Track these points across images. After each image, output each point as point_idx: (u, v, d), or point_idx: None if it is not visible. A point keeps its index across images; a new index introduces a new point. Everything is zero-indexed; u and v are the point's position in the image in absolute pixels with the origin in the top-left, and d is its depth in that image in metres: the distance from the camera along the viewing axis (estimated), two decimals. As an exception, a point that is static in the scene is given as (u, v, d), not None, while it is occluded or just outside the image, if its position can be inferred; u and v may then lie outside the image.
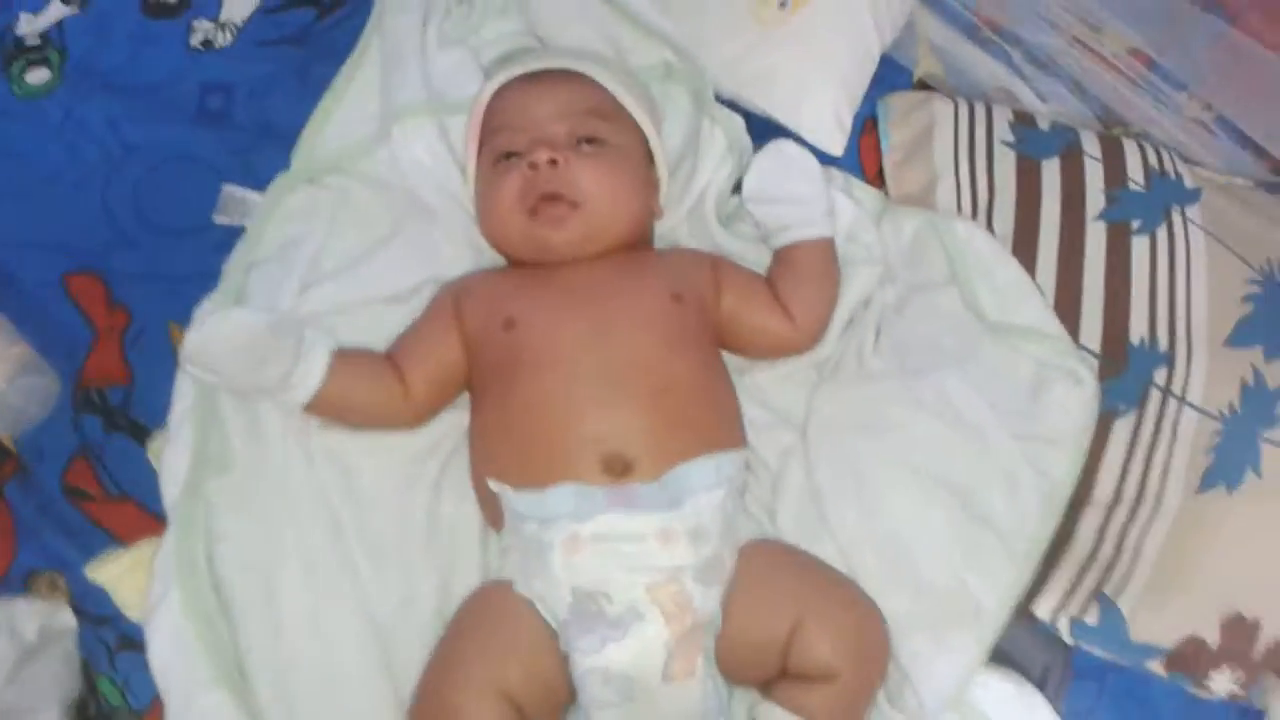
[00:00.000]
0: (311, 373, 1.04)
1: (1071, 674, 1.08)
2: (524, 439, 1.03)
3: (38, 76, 1.30)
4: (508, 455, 1.04)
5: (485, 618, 1.01)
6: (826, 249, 1.16)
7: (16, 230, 1.23)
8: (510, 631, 0.98)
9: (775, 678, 0.98)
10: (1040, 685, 1.06)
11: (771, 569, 1.02)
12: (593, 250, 1.12)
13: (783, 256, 1.17)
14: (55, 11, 1.33)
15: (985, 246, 1.16)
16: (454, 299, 1.13)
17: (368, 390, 1.08)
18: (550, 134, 1.12)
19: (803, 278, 1.15)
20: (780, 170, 1.18)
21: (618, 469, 1.00)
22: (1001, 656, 1.05)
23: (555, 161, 1.10)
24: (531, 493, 1.00)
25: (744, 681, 1.02)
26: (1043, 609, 1.06)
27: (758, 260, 1.22)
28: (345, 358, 1.07)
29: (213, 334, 1.02)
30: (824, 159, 1.28)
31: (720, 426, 1.07)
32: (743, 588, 1.00)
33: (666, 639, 0.96)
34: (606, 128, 1.15)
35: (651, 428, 1.02)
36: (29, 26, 1.32)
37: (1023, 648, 1.07)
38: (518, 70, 1.18)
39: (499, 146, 1.14)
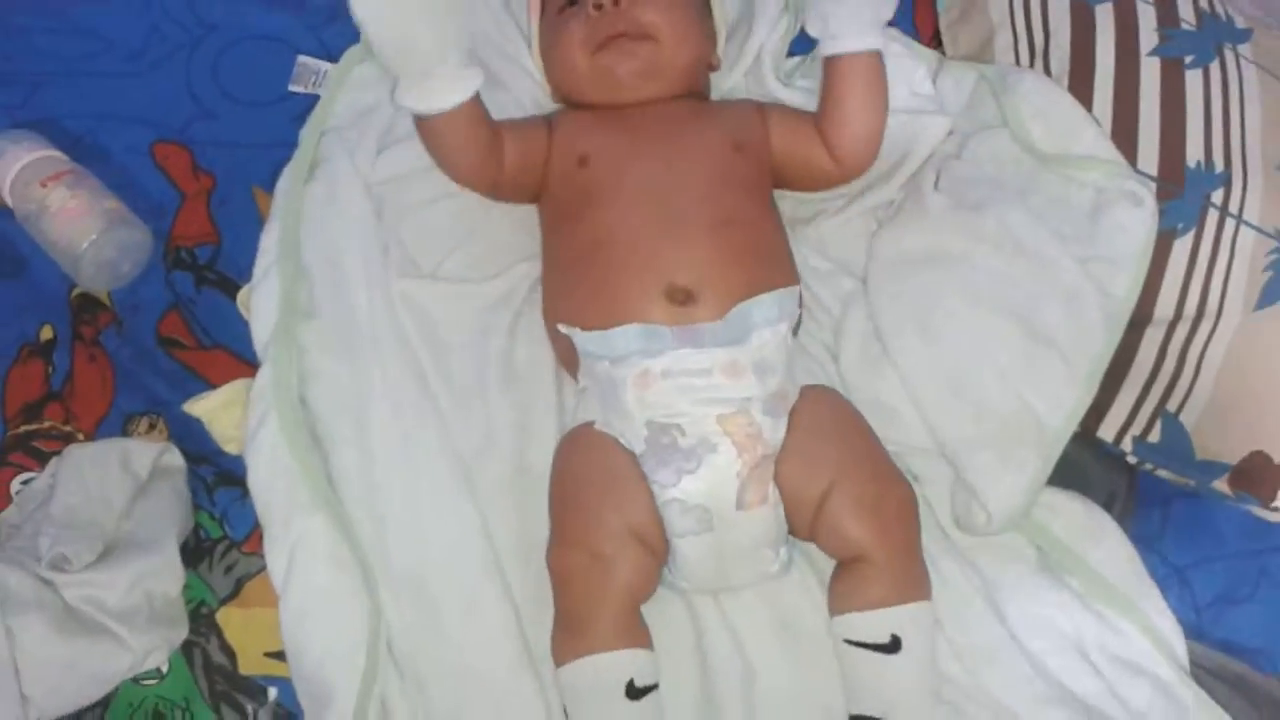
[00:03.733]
0: (472, 79, 1.04)
1: (1136, 500, 1.10)
2: (592, 276, 1.06)
3: (121, -39, 1.35)
4: (577, 295, 1.07)
5: (595, 462, 1.03)
6: (873, 63, 1.12)
7: (104, 104, 1.28)
8: (619, 472, 1.01)
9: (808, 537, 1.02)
10: (1106, 510, 1.08)
11: (818, 427, 1.04)
12: (656, 87, 1.15)
13: (828, 70, 1.13)
14: (136, -105, 1.38)
15: (1038, 86, 1.17)
16: (547, 122, 1.17)
17: (483, 133, 1.10)
18: None
19: (844, 93, 1.12)
20: None
21: (680, 298, 1.03)
22: (1068, 481, 1.07)
23: (618, 2, 1.13)
24: (600, 333, 1.04)
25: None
26: (1107, 430, 1.08)
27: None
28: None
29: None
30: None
31: (777, 264, 1.10)
32: (791, 440, 1.02)
33: (739, 468, 0.99)
34: None
35: (712, 260, 1.05)
36: (111, -84, 1.37)
37: (1089, 473, 1.10)
38: None
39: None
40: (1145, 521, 1.10)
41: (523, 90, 1.26)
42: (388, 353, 1.11)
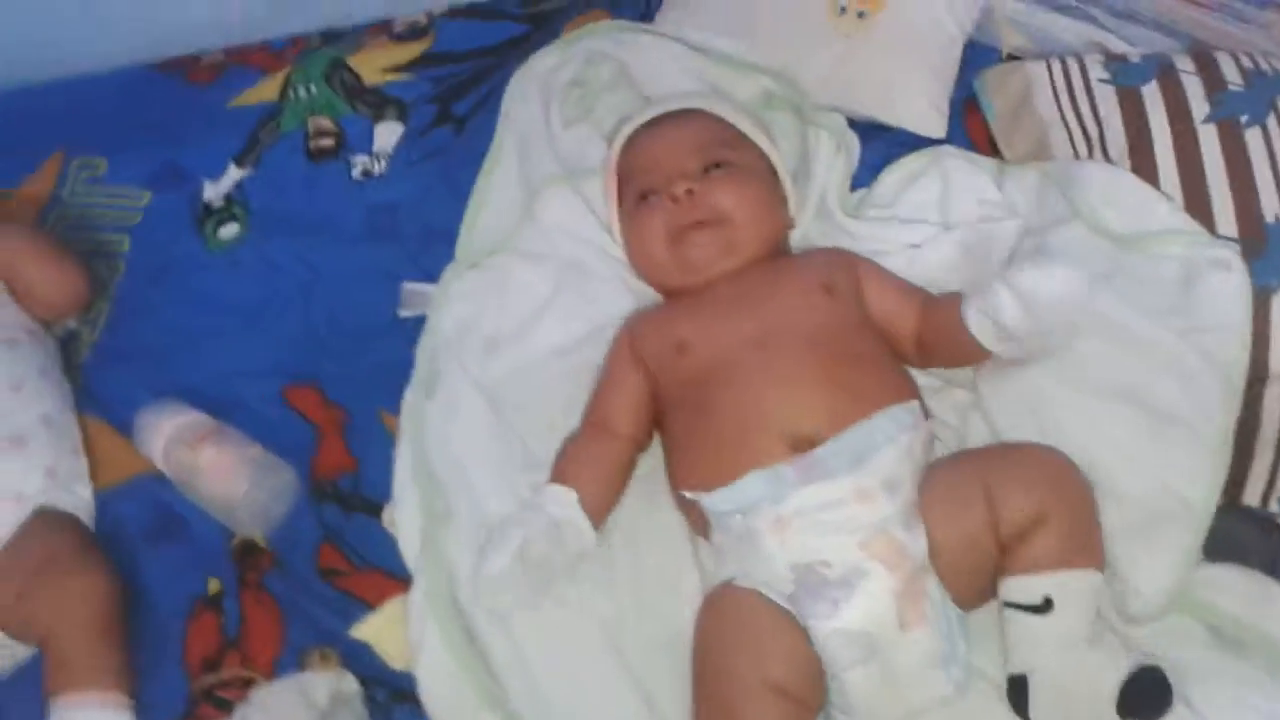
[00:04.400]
0: (585, 529, 1.11)
1: (1297, 555, 1.08)
2: (712, 443, 1.10)
3: (228, 231, 1.47)
4: (700, 462, 1.11)
5: (730, 618, 1.04)
6: (986, 356, 1.12)
7: (233, 362, 1.37)
8: (757, 623, 1.02)
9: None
10: (1270, 575, 1.06)
11: (946, 467, 1.07)
12: (736, 263, 1.21)
13: (958, 321, 1.10)
14: (233, 175, 1.51)
15: (1102, 172, 1.21)
16: (629, 338, 1.23)
17: (614, 481, 1.17)
18: (682, 167, 1.23)
19: (966, 348, 1.11)
20: (1043, 297, 1.05)
21: (804, 446, 1.06)
22: (1225, 555, 1.06)
23: (691, 191, 1.21)
24: (725, 489, 1.06)
25: (982, 593, 1.05)
26: (1251, 496, 1.08)
27: (892, 239, 1.29)
28: (580, 480, 1.13)
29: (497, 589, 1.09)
30: (927, 140, 1.39)
31: (888, 385, 1.12)
32: (930, 497, 1.04)
33: (893, 587, 1.00)
34: (730, 153, 1.26)
35: (824, 401, 1.08)
36: (212, 192, 1.50)
37: (1244, 542, 1.08)
38: (640, 120, 1.31)
39: (637, 189, 1.26)
40: (1314, 576, 1.08)
41: (606, 272, 1.32)
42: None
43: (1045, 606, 0.98)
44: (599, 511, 1.14)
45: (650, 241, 1.24)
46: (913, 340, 1.19)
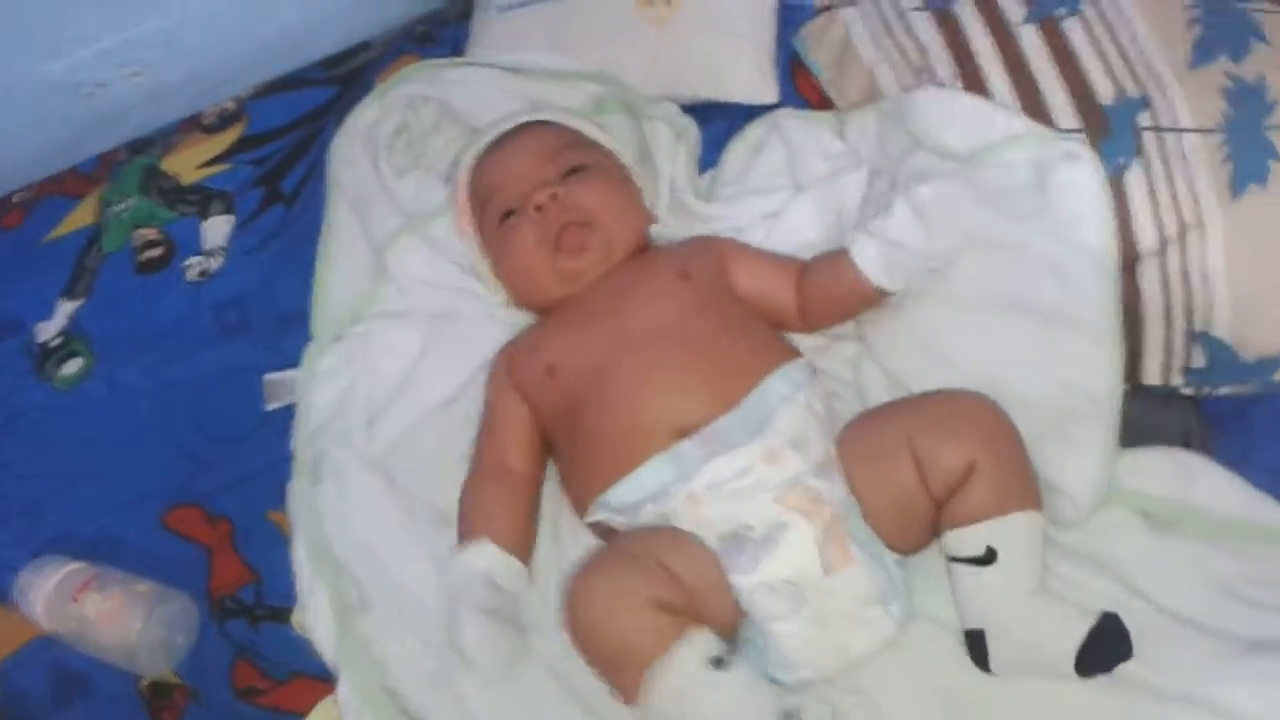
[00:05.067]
0: (515, 570, 1.08)
1: (1211, 427, 1.07)
2: (602, 458, 1.06)
3: (72, 368, 1.39)
4: (597, 477, 1.06)
5: (637, 534, 1.01)
6: (876, 297, 1.11)
7: (106, 498, 1.29)
8: (662, 545, 0.98)
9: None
10: (1187, 449, 1.05)
11: (867, 428, 1.05)
12: (612, 262, 1.18)
13: (839, 264, 1.11)
14: (64, 310, 1.43)
15: (933, 97, 1.19)
16: (506, 368, 1.19)
17: (524, 518, 1.12)
18: (539, 177, 1.19)
19: (850, 302, 1.13)
20: (936, 212, 1.07)
21: (686, 434, 1.02)
22: (1140, 438, 1.04)
23: (555, 195, 1.17)
24: (630, 479, 1.02)
25: (920, 541, 1.03)
26: (1151, 375, 1.06)
27: (749, 213, 1.27)
28: (489, 527, 1.09)
29: (487, 654, 1.04)
30: (762, 108, 1.37)
31: (770, 353, 1.09)
32: (853, 459, 1.02)
33: (813, 534, 0.97)
34: (581, 155, 1.22)
35: (704, 386, 1.05)
36: (46, 332, 1.42)
37: (1156, 422, 1.07)
38: (482, 144, 1.26)
39: (496, 211, 1.21)
40: (1229, 442, 1.07)
41: (474, 312, 1.27)
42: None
43: (989, 557, 0.95)
44: (521, 551, 1.09)
45: (526, 256, 1.19)
46: (794, 309, 1.17)
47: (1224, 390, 1.06)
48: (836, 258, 1.13)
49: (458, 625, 1.04)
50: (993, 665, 0.96)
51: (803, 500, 0.98)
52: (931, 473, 0.98)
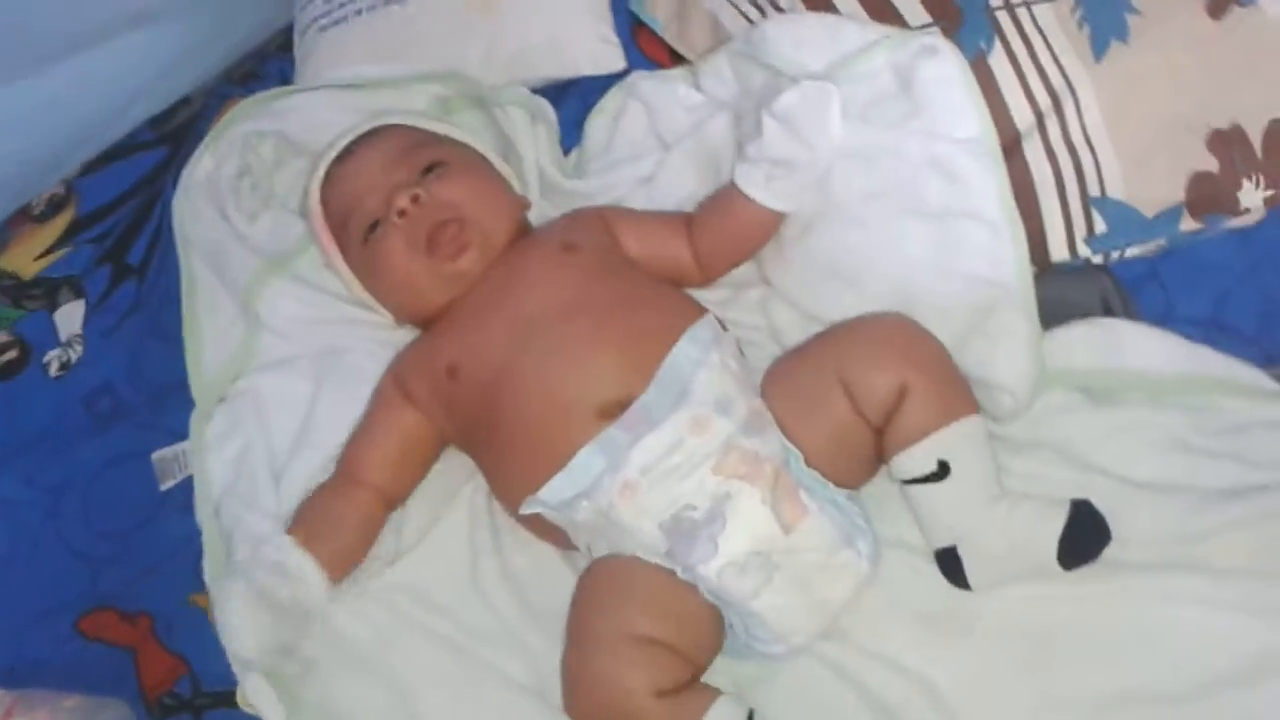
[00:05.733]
0: (310, 575, 1.03)
1: (1128, 290, 1.06)
2: (527, 450, 1.01)
3: (-56, 490, 1.29)
4: (523, 474, 1.01)
5: (596, 583, 0.97)
6: (771, 223, 1.10)
7: (12, 620, 1.20)
8: (625, 580, 0.95)
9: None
10: (1112, 315, 1.04)
11: (790, 371, 1.01)
12: (493, 255, 1.11)
13: (727, 199, 1.10)
14: (-74, 434, 1.33)
15: (779, 24, 1.16)
16: (393, 381, 1.12)
17: (352, 531, 1.07)
18: (395, 181, 1.11)
19: (742, 233, 1.11)
20: (804, 116, 1.05)
21: (617, 411, 0.98)
22: (1060, 317, 1.03)
23: (417, 197, 1.09)
24: (561, 476, 0.97)
25: (867, 472, 1.00)
26: (1057, 251, 1.05)
27: (623, 181, 1.23)
28: (311, 530, 1.05)
29: (243, 640, 1.00)
30: (613, 78, 1.32)
31: (673, 315, 1.05)
32: (783, 404, 0.98)
33: (760, 496, 0.93)
34: (436, 151, 1.15)
35: (616, 357, 1.00)
36: (-89, 462, 1.31)
37: (1072, 298, 1.05)
38: (327, 161, 1.19)
39: (358, 226, 1.13)
40: (1149, 301, 1.06)
41: (360, 339, 1.20)
42: (407, 646, 1.05)
43: (942, 471, 0.92)
44: (333, 564, 1.04)
45: (400, 266, 1.10)
46: (690, 262, 1.13)
47: (1132, 252, 1.04)
48: (723, 195, 1.10)
49: (224, 599, 1.00)
50: (971, 580, 0.94)
51: (740, 464, 0.93)
52: (866, 402, 0.95)
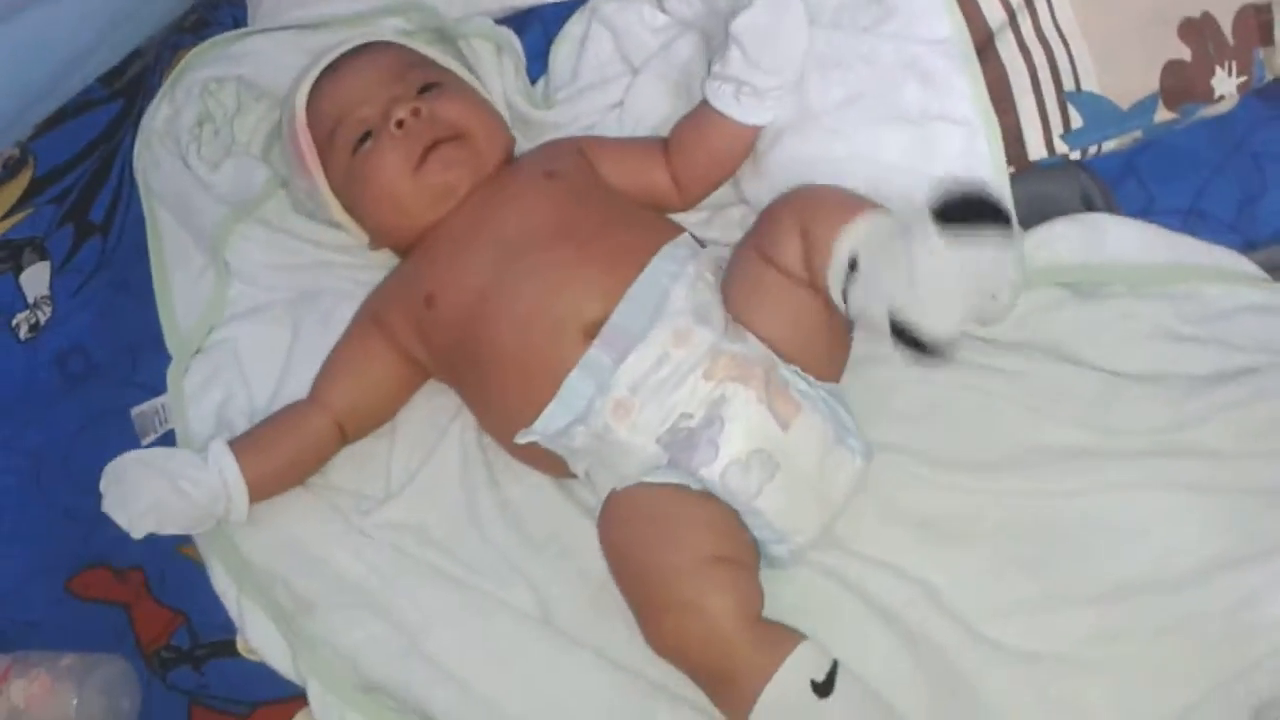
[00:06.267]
0: (234, 486, 1.05)
1: (1107, 184, 1.06)
2: (513, 375, 1.00)
3: (-81, 462, 1.27)
4: (513, 401, 1.00)
5: (631, 522, 0.95)
6: (748, 138, 1.08)
7: (2, 585, 1.20)
8: (660, 512, 0.93)
9: None
10: (1091, 210, 1.04)
11: (730, 278, 1.01)
12: (483, 176, 1.09)
13: (701, 119, 1.08)
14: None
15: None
16: (369, 316, 1.11)
17: (294, 448, 1.08)
18: (394, 94, 1.09)
19: (722, 150, 1.09)
20: (768, 30, 1.02)
21: (598, 330, 0.97)
22: (1041, 215, 1.03)
23: (418, 111, 1.07)
24: (553, 405, 0.97)
25: (838, 356, 1.01)
26: (1035, 149, 1.04)
27: (594, 109, 1.22)
28: (252, 440, 1.08)
29: (129, 513, 1.01)
30: (574, 3, 1.29)
31: (651, 235, 1.04)
32: (746, 309, 0.98)
33: (755, 395, 0.93)
34: (433, 73, 1.14)
35: (596, 276, 0.99)
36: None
37: (1051, 195, 1.05)
38: (316, 70, 1.15)
39: (348, 137, 1.09)
40: (1129, 195, 1.05)
41: (338, 278, 1.19)
42: (409, 583, 1.05)
43: (854, 265, 0.90)
44: (259, 482, 1.06)
45: (391, 181, 1.07)
46: (670, 186, 1.11)
47: (1109, 146, 1.04)
48: (697, 115, 1.09)
49: (121, 468, 1.02)
50: (923, 332, 0.86)
51: (729, 366, 0.93)
52: (784, 262, 0.95)
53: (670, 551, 0.91)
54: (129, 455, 1.04)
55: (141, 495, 1.00)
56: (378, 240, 1.16)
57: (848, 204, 0.95)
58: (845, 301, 0.92)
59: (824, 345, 0.99)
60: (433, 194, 1.08)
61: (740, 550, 0.93)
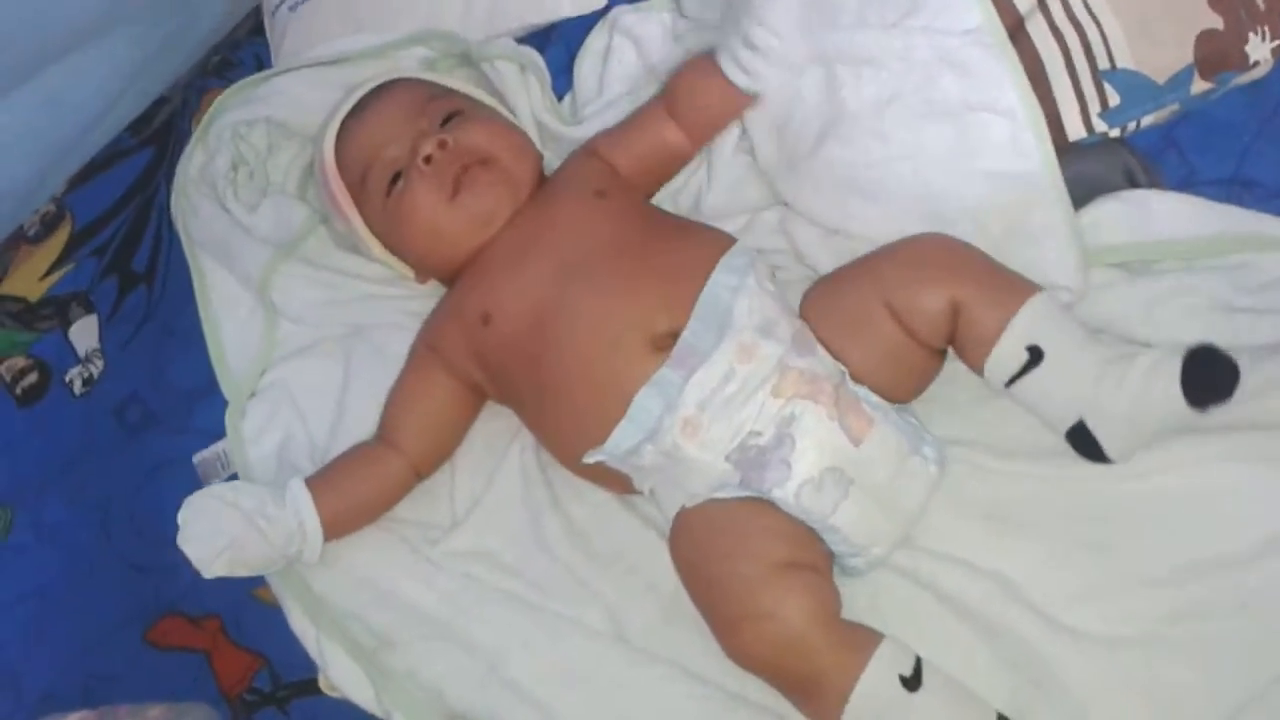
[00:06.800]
0: (310, 526, 1.05)
1: (1148, 159, 1.05)
2: (578, 396, 0.99)
3: (-12, 531, 1.29)
4: (578, 422, 1.00)
5: (702, 535, 0.95)
6: (745, 103, 1.09)
7: (80, 641, 1.22)
8: (730, 524, 0.94)
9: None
10: (1134, 187, 1.03)
11: (831, 300, 1.00)
12: (520, 200, 1.10)
13: (699, 76, 1.10)
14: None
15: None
16: (426, 347, 1.12)
17: (370, 490, 1.09)
18: (418, 130, 1.10)
19: (722, 108, 1.10)
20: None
21: (668, 342, 0.97)
22: (1085, 194, 1.02)
23: (445, 143, 1.08)
24: (623, 424, 0.96)
25: (916, 389, 1.00)
26: (1074, 130, 1.03)
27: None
28: (327, 480, 1.08)
29: (206, 550, 1.01)
30: (594, 17, 1.29)
31: (706, 246, 1.04)
32: (828, 330, 0.98)
33: (826, 412, 0.92)
34: (453, 102, 1.14)
35: (660, 290, 0.99)
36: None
37: (1095, 175, 1.04)
38: (339, 117, 1.16)
39: (379, 178, 1.11)
40: (1170, 169, 1.05)
41: (384, 315, 1.21)
42: (483, 611, 1.06)
43: (1035, 356, 0.91)
44: (334, 520, 1.07)
45: (428, 215, 1.08)
46: (682, 137, 1.12)
47: (1147, 121, 1.03)
48: (695, 71, 1.10)
49: (199, 504, 1.02)
50: (1107, 450, 0.91)
51: (799, 383, 0.93)
52: (917, 325, 0.94)
53: (742, 562, 0.92)
54: (209, 490, 1.05)
55: (219, 534, 1.01)
56: (423, 274, 1.17)
57: (1010, 282, 0.95)
58: (1009, 384, 0.93)
59: (906, 380, 0.99)
60: (472, 219, 1.08)
61: (813, 555, 0.94)
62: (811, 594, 0.90)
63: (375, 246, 1.16)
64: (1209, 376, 0.87)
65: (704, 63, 1.09)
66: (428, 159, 1.07)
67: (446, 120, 1.11)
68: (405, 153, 1.09)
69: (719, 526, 0.94)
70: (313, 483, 1.07)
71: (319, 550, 1.06)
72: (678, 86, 1.12)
